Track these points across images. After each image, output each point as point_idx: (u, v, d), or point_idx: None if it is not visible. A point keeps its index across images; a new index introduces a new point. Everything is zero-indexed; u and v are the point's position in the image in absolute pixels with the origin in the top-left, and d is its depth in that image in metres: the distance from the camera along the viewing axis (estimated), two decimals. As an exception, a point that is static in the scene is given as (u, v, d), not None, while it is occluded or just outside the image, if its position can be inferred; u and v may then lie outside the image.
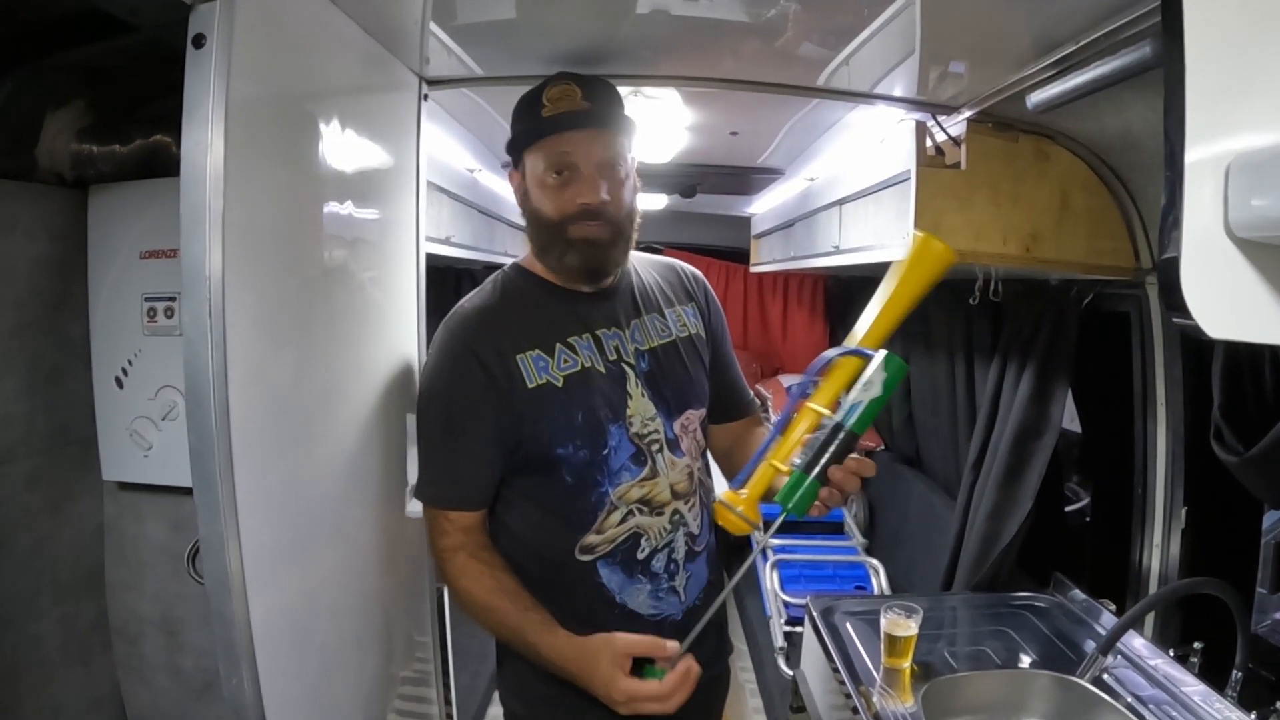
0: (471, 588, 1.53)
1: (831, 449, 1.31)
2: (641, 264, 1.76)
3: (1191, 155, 0.74)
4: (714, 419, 1.79)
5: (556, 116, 1.49)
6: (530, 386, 1.51)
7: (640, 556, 1.57)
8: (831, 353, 1.37)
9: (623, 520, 1.55)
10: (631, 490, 1.55)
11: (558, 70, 1.59)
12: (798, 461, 1.32)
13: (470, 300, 1.62)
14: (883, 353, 1.32)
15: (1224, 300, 0.76)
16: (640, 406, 1.57)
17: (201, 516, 1.12)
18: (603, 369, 1.56)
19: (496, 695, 3.11)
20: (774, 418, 4.02)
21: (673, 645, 1.42)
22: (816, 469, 1.31)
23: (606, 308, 1.62)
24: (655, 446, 1.58)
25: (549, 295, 1.61)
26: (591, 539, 1.54)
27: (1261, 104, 0.73)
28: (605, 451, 1.54)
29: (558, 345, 1.55)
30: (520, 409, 1.51)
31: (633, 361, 1.59)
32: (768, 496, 1.38)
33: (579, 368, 1.55)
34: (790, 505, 1.32)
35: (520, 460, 1.55)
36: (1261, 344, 1.01)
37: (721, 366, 1.78)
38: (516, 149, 1.58)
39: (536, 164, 1.52)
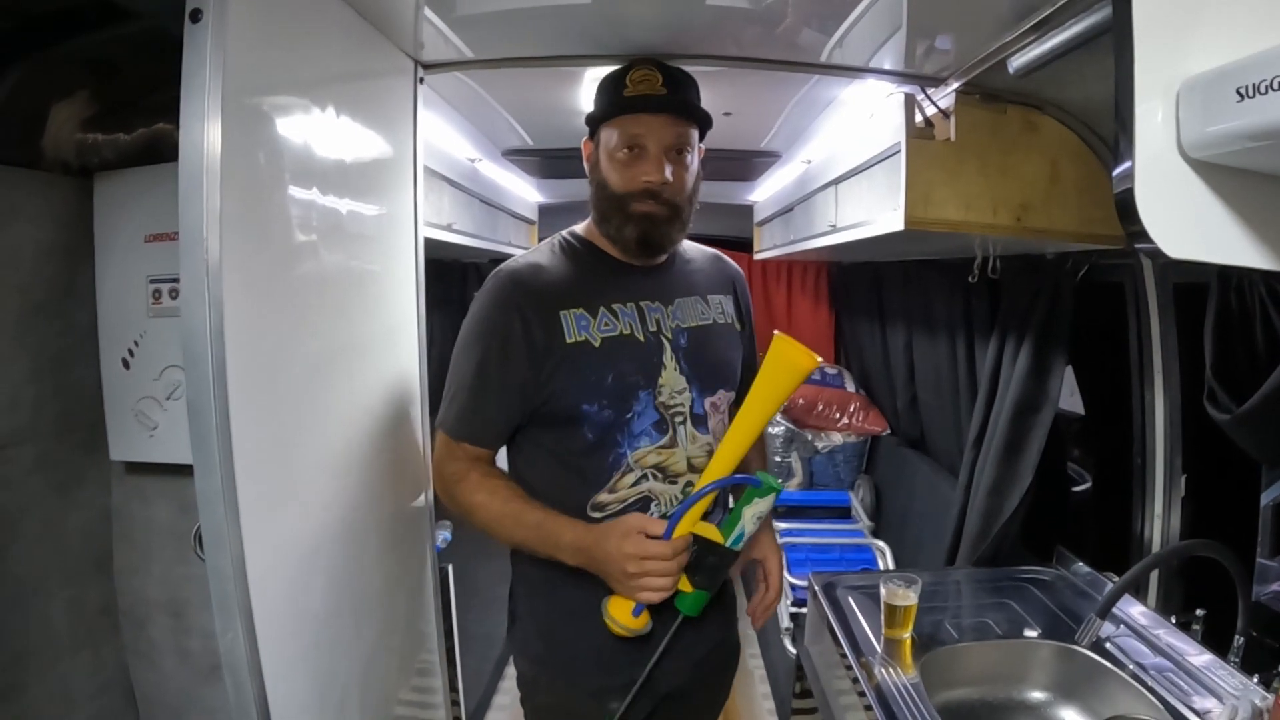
0: (488, 500, 1.59)
1: (721, 567, 1.55)
2: (691, 250, 1.83)
3: (1142, 79, 0.76)
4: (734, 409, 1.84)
5: (635, 98, 1.57)
6: (569, 341, 1.57)
7: None
8: (722, 481, 1.54)
9: (636, 483, 1.59)
10: (649, 455, 1.60)
11: (553, 53, 1.73)
12: (697, 580, 1.54)
13: (523, 256, 1.69)
14: (769, 481, 1.51)
15: (1181, 221, 0.78)
16: (671, 379, 1.62)
17: (198, 472, 1.15)
18: (641, 337, 1.61)
19: (501, 684, 3.15)
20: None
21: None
22: (708, 585, 1.55)
23: (653, 283, 1.68)
24: (680, 419, 1.62)
25: (600, 262, 1.68)
26: (604, 497, 1.59)
27: (1209, 27, 0.75)
28: (629, 415, 1.58)
29: (601, 308, 1.61)
30: (555, 362, 1.56)
31: (671, 336, 1.64)
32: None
33: (618, 332, 1.60)
34: (691, 612, 1.56)
35: (547, 413, 1.60)
36: (1219, 265, 1.01)
37: (748, 364, 1.83)
38: (595, 121, 1.65)
39: (610, 138, 1.60)
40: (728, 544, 1.51)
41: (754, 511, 1.50)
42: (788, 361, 1.52)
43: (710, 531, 1.53)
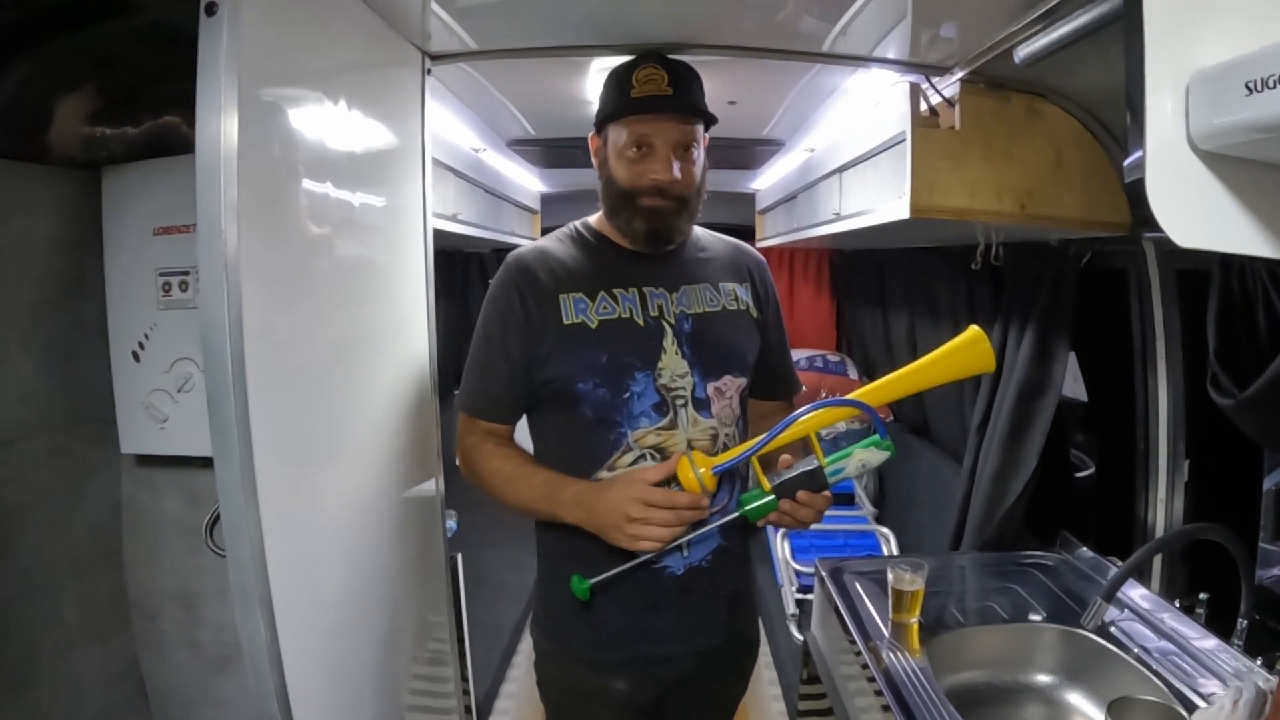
0: (501, 465, 1.68)
1: (806, 488, 1.49)
2: (708, 239, 1.86)
3: (1152, 71, 0.77)
4: (753, 394, 1.87)
5: (643, 99, 1.61)
6: (565, 323, 1.63)
7: None
8: (861, 398, 1.53)
9: (634, 462, 1.63)
10: (648, 436, 1.63)
11: (557, 43, 1.80)
12: (774, 478, 1.50)
13: (535, 243, 1.77)
14: (888, 445, 1.51)
15: (1190, 210, 0.79)
16: (672, 362, 1.65)
17: (218, 463, 1.17)
18: (641, 322, 1.66)
19: (509, 672, 3.16)
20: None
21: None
22: (785, 496, 1.48)
23: (658, 270, 1.72)
24: (680, 401, 1.65)
25: (607, 250, 1.74)
26: (604, 474, 1.63)
27: (1219, 20, 0.76)
28: (626, 395, 1.63)
29: (601, 292, 1.66)
30: (553, 343, 1.63)
31: (674, 321, 1.68)
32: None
33: (615, 316, 1.65)
34: (748, 509, 1.50)
35: (549, 391, 1.66)
36: (1230, 254, 1.02)
37: (768, 350, 1.85)
38: (602, 119, 1.70)
39: (619, 137, 1.65)
40: (826, 465, 1.49)
41: (863, 457, 1.50)
42: (971, 352, 1.53)
43: (815, 449, 1.52)
